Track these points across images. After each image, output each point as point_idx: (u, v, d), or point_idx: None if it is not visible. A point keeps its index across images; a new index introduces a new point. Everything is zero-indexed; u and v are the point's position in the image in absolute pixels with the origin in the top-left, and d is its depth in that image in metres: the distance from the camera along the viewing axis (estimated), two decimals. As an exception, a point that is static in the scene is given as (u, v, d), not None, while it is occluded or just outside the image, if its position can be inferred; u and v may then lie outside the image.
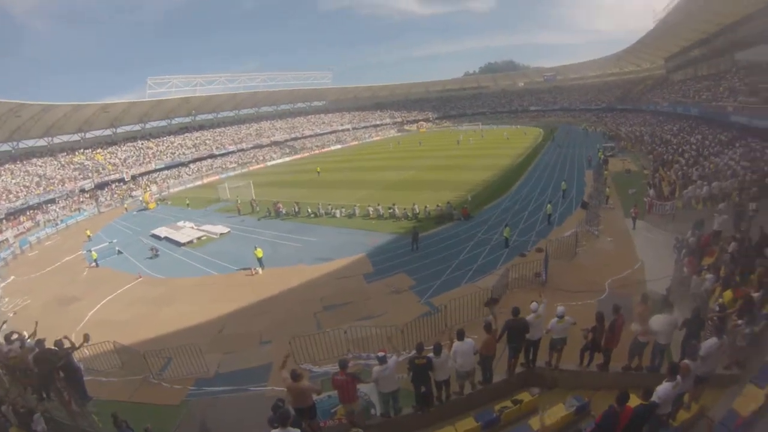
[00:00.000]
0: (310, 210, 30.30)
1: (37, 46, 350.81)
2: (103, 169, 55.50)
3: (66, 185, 49.32)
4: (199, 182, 59.32)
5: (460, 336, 7.37)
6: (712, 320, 7.54)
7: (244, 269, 20.96)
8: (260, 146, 76.93)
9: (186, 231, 30.06)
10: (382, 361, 6.91)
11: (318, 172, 50.38)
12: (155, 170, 60.03)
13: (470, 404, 7.85)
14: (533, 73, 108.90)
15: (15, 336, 9.07)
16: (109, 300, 19.94)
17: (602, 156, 37.12)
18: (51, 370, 8.13)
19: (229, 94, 75.87)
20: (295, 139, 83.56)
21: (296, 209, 31.13)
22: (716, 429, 5.75)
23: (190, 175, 61.63)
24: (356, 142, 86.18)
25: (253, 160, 70.29)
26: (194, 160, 65.50)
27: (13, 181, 46.98)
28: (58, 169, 52.93)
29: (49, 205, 46.12)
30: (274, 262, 21.44)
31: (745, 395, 6.03)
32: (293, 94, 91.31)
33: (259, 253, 20.86)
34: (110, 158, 58.95)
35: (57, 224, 41.50)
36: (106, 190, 53.00)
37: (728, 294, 8.32)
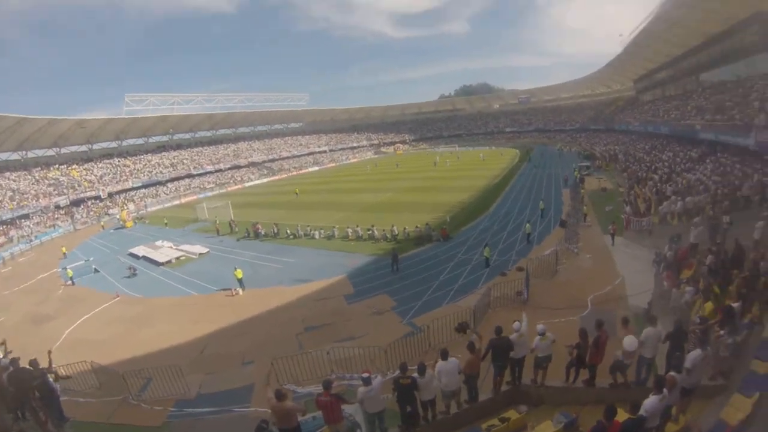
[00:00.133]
0: (289, 231, 29.92)
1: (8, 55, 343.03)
2: (79, 185, 54.14)
3: (40, 201, 47.96)
4: (177, 202, 58.46)
5: (444, 355, 7.26)
6: (695, 332, 7.62)
7: (224, 290, 20.45)
8: (238, 167, 76.55)
9: (164, 250, 29.38)
10: (367, 382, 6.72)
11: (296, 194, 50.00)
12: (132, 188, 58.95)
13: (457, 423, 7.69)
14: (508, 95, 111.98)
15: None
16: (86, 319, 19.29)
17: (578, 175, 37.92)
18: (26, 389, 7.91)
19: (206, 114, 75.78)
20: (273, 160, 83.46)
21: (275, 230, 30.75)
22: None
23: (167, 194, 60.65)
24: (334, 164, 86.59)
25: (231, 181, 69.88)
26: (172, 179, 64.61)
27: (-16, 196, 45.37)
28: (33, 184, 51.44)
29: (23, 220, 44.73)
30: (255, 283, 20.99)
31: (732, 405, 6.07)
32: (270, 116, 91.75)
33: (239, 273, 20.43)
34: (86, 175, 57.60)
35: (31, 240, 40.25)
36: (82, 207, 51.61)
37: (709, 305, 8.46)
